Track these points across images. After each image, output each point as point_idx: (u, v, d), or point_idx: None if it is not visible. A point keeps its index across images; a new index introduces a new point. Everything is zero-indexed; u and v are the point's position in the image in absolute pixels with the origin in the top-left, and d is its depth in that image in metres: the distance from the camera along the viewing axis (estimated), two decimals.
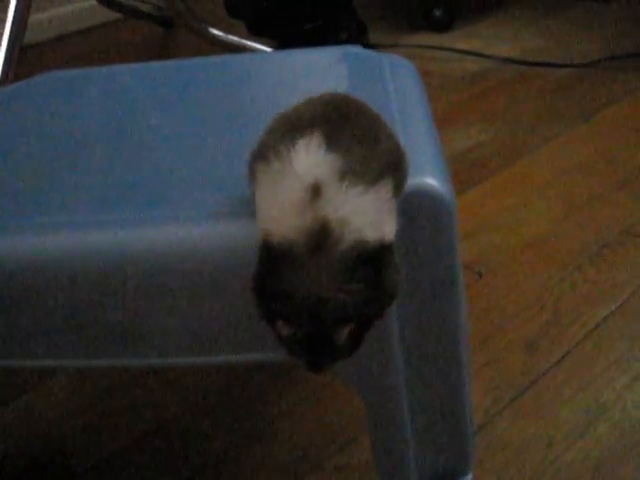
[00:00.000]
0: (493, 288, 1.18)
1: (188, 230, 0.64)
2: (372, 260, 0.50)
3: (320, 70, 0.91)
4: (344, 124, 0.54)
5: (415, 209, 0.65)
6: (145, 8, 2.30)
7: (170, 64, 0.99)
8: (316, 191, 0.49)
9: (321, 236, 0.49)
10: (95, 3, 2.29)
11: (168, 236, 0.64)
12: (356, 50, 0.93)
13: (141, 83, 0.93)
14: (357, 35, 2.00)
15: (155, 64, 1.01)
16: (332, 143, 0.51)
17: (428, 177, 0.67)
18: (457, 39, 2.09)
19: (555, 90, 1.79)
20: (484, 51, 1.98)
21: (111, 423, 1.00)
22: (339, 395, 1.00)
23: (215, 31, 1.74)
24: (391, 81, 0.85)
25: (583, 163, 1.49)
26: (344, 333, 0.50)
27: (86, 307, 0.65)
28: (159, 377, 1.06)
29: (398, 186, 0.55)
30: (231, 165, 0.68)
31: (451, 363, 0.75)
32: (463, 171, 1.48)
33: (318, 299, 0.48)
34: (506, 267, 1.22)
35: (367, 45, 2.03)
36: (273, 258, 0.50)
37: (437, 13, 2.11)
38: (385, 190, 0.53)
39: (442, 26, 2.12)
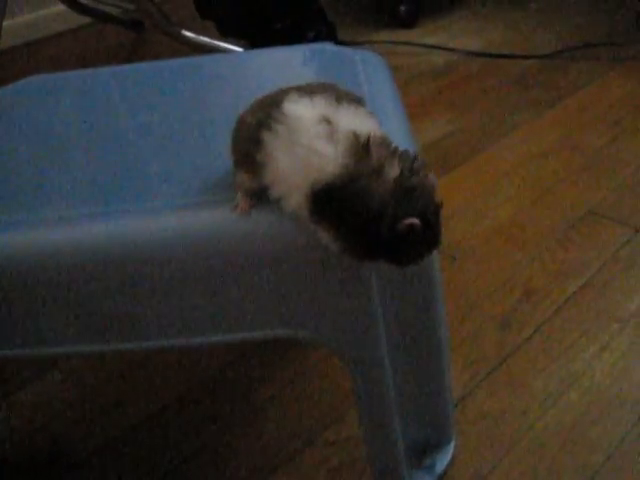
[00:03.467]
0: (467, 271, 1.23)
1: (180, 218, 0.68)
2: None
3: (295, 67, 0.95)
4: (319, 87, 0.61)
5: None
6: (116, 12, 2.33)
7: (150, 65, 1.02)
8: (328, 122, 0.56)
9: (362, 146, 0.54)
10: (65, 8, 2.31)
11: (160, 225, 0.68)
12: (329, 47, 0.98)
13: (123, 84, 0.96)
14: (326, 33, 2.04)
15: (135, 66, 1.05)
16: (303, 93, 0.59)
17: None
18: (424, 34, 2.14)
19: (519, 81, 1.85)
20: (450, 45, 2.04)
21: (103, 415, 1.04)
22: (325, 376, 1.05)
23: (187, 33, 1.78)
24: (363, 74, 0.90)
25: (548, 149, 1.55)
26: None
27: (87, 296, 0.69)
28: (146, 370, 1.10)
29: None
30: (211, 158, 0.73)
31: (432, 340, 0.81)
32: (433, 162, 1.54)
33: (406, 174, 0.55)
34: (478, 251, 1.28)
35: (336, 43, 2.08)
36: (344, 190, 0.54)
37: (403, 9, 2.16)
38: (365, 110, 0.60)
39: (408, 22, 2.17)
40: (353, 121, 0.56)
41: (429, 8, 2.29)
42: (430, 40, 2.09)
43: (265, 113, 0.59)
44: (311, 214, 0.56)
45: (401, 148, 0.57)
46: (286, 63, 0.97)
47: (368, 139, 0.54)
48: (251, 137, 0.59)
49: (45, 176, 0.76)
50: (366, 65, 0.94)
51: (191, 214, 0.67)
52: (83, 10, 2.31)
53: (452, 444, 0.93)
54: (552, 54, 1.94)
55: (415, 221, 0.54)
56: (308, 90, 0.60)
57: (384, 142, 0.56)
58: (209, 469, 0.95)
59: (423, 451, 0.91)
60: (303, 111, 0.56)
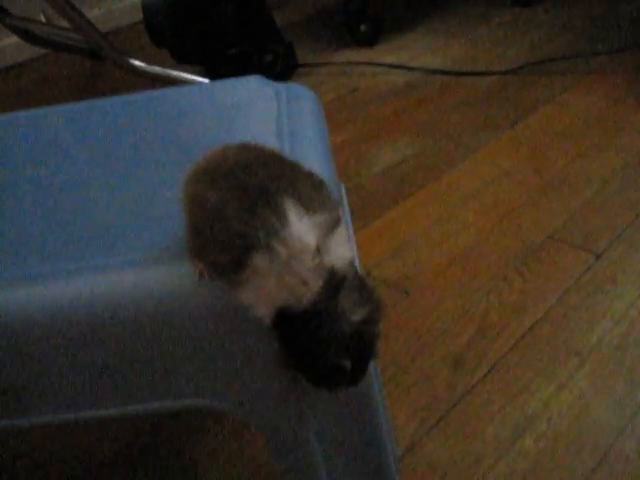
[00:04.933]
0: (420, 306, 1.17)
1: (86, 281, 0.62)
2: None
3: (219, 104, 0.90)
4: (292, 178, 0.57)
5: None
6: (72, 41, 2.27)
7: (92, 104, 0.96)
8: (319, 252, 0.54)
9: (334, 286, 0.55)
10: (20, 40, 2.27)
11: (63, 290, 0.62)
12: (255, 80, 0.93)
13: (65, 126, 0.90)
14: (284, 56, 1.99)
15: (77, 105, 0.98)
16: (303, 205, 0.55)
17: None
18: (385, 53, 2.09)
19: (481, 99, 1.80)
20: (411, 64, 1.99)
21: (34, 475, 0.98)
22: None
23: (137, 62, 1.72)
24: (286, 110, 0.85)
25: (509, 171, 1.50)
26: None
27: None
28: (75, 430, 1.03)
29: None
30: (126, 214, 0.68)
31: (363, 407, 0.75)
32: (390, 187, 1.48)
33: (365, 321, 0.56)
34: (433, 283, 1.22)
35: (295, 64, 2.03)
36: (306, 320, 0.55)
37: (363, 28, 2.11)
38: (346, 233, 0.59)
39: (368, 41, 2.12)
40: (336, 253, 0.56)
41: (390, 27, 2.24)
42: (391, 59, 2.04)
43: (263, 220, 0.54)
44: (272, 326, 0.57)
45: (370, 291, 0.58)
46: (210, 100, 0.92)
47: (342, 282, 0.55)
48: (239, 244, 0.55)
49: None
50: (292, 100, 0.88)
51: (100, 276, 0.62)
52: (37, 41, 2.25)
53: None
54: (514, 70, 1.89)
55: (347, 365, 0.56)
56: (302, 198, 0.56)
57: (356, 284, 0.57)
58: None
59: None
60: (309, 239, 0.54)
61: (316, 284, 0.54)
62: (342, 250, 0.56)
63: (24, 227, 0.70)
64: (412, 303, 1.18)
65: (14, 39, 2.31)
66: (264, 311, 0.56)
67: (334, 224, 0.57)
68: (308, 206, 0.55)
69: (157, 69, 1.73)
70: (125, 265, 0.62)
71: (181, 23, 1.89)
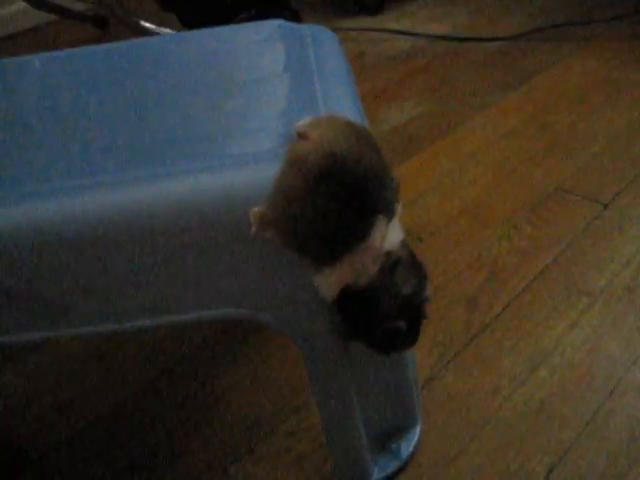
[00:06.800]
0: (434, 251, 1.20)
1: (131, 192, 0.64)
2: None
3: (247, 43, 0.92)
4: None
5: None
6: (79, 8, 2.28)
7: (131, 43, 0.97)
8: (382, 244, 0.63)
9: (390, 266, 0.63)
10: (25, 6, 2.27)
11: (112, 201, 0.64)
12: (278, 22, 0.95)
13: (108, 62, 0.92)
14: (290, 21, 2.00)
15: (116, 45, 0.99)
16: (385, 215, 0.62)
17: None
18: (389, 21, 2.11)
19: (485, 63, 1.82)
20: (416, 30, 2.01)
21: (63, 410, 1.00)
22: (287, 363, 1.02)
23: (147, 24, 1.74)
24: (312, 47, 0.88)
25: (515, 129, 1.53)
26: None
27: (23, 281, 0.65)
28: (107, 362, 1.06)
29: None
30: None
31: None
32: (399, 144, 1.51)
33: (415, 292, 0.65)
34: (445, 231, 1.25)
35: None
36: (364, 297, 0.64)
37: None
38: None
39: (373, 9, 2.14)
40: (391, 239, 0.63)
41: None
42: (396, 26, 2.06)
43: (357, 231, 0.61)
44: (333, 302, 0.65)
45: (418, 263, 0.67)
46: (238, 40, 0.94)
47: (396, 264, 0.63)
48: (338, 245, 0.62)
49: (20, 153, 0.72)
50: (315, 38, 0.91)
51: (143, 189, 0.64)
52: (45, 7, 2.26)
53: (418, 427, 0.90)
54: (517, 36, 1.91)
55: (402, 324, 0.65)
56: (386, 209, 0.63)
57: (407, 261, 0.65)
58: (169, 459, 0.92)
59: (388, 435, 0.87)
60: (379, 240, 0.62)
61: (374, 268, 0.62)
62: (396, 235, 0.65)
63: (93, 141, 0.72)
64: (425, 249, 1.20)
65: (21, 5, 2.32)
66: (329, 292, 0.64)
67: (394, 216, 0.65)
68: (386, 214, 0.63)
69: (166, 31, 1.75)
70: (184, 173, 0.64)
71: None
